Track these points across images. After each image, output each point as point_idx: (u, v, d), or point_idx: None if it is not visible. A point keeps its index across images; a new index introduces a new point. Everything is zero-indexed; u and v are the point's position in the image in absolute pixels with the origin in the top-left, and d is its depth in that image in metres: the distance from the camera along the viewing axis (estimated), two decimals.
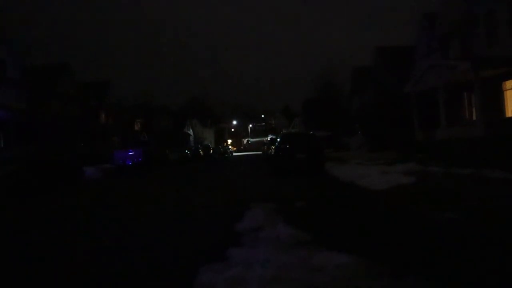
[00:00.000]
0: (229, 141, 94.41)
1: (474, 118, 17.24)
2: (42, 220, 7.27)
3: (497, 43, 16.30)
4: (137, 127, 49.86)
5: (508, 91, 16.32)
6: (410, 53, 26.58)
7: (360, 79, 38.20)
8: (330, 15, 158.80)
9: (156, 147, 28.47)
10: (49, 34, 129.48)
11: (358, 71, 39.99)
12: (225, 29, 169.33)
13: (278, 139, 17.03)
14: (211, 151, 52.01)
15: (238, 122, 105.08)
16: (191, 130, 69.09)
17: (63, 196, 11.70)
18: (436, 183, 8.82)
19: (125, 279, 3.59)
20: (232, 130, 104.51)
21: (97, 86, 40.41)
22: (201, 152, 42.55)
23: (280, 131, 57.32)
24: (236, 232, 5.02)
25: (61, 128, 28.28)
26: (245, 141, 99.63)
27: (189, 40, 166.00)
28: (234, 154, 66.51)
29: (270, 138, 38.38)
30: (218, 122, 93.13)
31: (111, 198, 10.62)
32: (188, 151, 38.13)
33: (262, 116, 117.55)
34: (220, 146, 65.82)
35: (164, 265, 3.92)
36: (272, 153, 17.59)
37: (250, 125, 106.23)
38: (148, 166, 23.39)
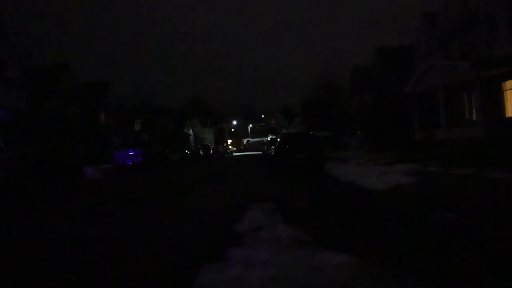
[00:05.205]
0: (229, 141, 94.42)
1: (474, 118, 17.23)
2: (41, 220, 7.27)
3: (497, 43, 16.29)
4: (137, 127, 49.89)
5: (508, 91, 16.31)
6: (410, 53, 26.60)
7: (360, 79, 38.21)
8: (330, 15, 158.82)
9: (156, 147, 28.45)
10: (49, 34, 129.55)
11: (358, 71, 40.01)
12: (226, 29, 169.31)
13: (278, 139, 17.02)
14: (211, 151, 52.05)
15: (238, 122, 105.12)
16: (191, 130, 69.14)
17: (62, 196, 11.70)
18: (436, 183, 8.81)
19: (124, 279, 3.59)
20: (232, 130, 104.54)
21: (97, 86, 40.44)
22: (201, 152, 42.57)
23: (280, 131, 57.30)
24: (236, 232, 5.02)
25: (61, 128, 28.28)
26: (245, 141, 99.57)
27: (189, 40, 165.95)
28: (234, 154, 66.53)
29: (270, 138, 38.41)
30: (218, 122, 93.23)
31: (110, 198, 10.62)
32: (188, 151, 38.13)
33: (262, 116, 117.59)
34: (220, 146, 65.87)
35: (164, 265, 3.92)
36: (272, 153, 17.59)
37: (250, 125, 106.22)
38: (148, 166, 23.39)
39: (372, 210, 6.66)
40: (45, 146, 15.44)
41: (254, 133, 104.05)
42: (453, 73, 16.34)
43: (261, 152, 43.49)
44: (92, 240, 5.30)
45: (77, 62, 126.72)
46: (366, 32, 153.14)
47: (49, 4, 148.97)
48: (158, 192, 11.27)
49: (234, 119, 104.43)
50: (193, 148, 43.65)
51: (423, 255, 3.85)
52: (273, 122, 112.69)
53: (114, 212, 7.76)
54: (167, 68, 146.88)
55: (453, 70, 16.22)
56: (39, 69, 30.44)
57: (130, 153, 23.54)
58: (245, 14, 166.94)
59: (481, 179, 8.84)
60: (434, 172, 11.12)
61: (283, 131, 60.11)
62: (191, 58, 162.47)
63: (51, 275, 3.83)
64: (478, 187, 7.71)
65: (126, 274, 3.73)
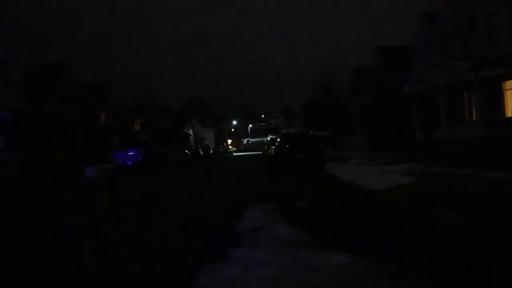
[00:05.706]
0: (229, 141, 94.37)
1: (474, 118, 17.23)
2: (42, 221, 7.26)
3: (497, 43, 16.28)
4: (137, 127, 49.84)
5: (508, 91, 16.31)
6: (410, 53, 26.59)
7: (360, 79, 38.19)
8: (330, 15, 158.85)
9: (156, 147, 28.42)
10: (49, 34, 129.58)
11: (358, 71, 39.99)
12: (225, 29, 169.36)
13: (278, 139, 17.03)
14: (211, 151, 52.07)
15: (238, 122, 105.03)
16: (191, 130, 69.04)
17: (63, 196, 11.70)
18: (436, 183, 8.82)
19: (124, 279, 3.59)
20: (232, 130, 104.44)
21: (97, 86, 40.43)
22: (201, 152, 42.54)
23: (280, 131, 57.27)
24: (236, 232, 5.02)
25: (61, 129, 28.23)
26: (245, 141, 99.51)
27: (189, 40, 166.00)
28: (234, 154, 66.55)
29: (270, 138, 38.40)
30: (218, 122, 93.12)
31: (110, 198, 10.62)
32: (188, 151, 38.08)
33: (262, 116, 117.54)
34: (220, 146, 65.89)
35: (164, 265, 3.92)
36: (272, 153, 17.59)
37: (250, 125, 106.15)
38: (148, 166, 23.37)
39: (372, 210, 6.66)
40: (45, 146, 15.42)
41: (254, 133, 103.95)
42: (453, 73, 16.35)
43: (261, 152, 43.47)
44: (92, 239, 5.30)
45: (77, 62, 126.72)
46: (366, 32, 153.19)
47: (49, 4, 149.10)
48: (158, 192, 11.27)
49: (234, 119, 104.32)
50: (193, 148, 43.61)
51: (423, 255, 3.85)
52: (273, 122, 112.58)
53: (114, 212, 7.76)
54: (167, 68, 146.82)
55: (453, 70, 16.23)
56: (39, 69, 30.44)
57: (130, 153, 23.50)
58: (245, 14, 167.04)
59: (481, 179, 8.85)
60: (434, 172, 11.13)
61: (283, 131, 60.07)
62: (191, 58, 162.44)
63: (51, 274, 3.83)
64: (478, 187, 7.72)
65: (126, 273, 3.73)
